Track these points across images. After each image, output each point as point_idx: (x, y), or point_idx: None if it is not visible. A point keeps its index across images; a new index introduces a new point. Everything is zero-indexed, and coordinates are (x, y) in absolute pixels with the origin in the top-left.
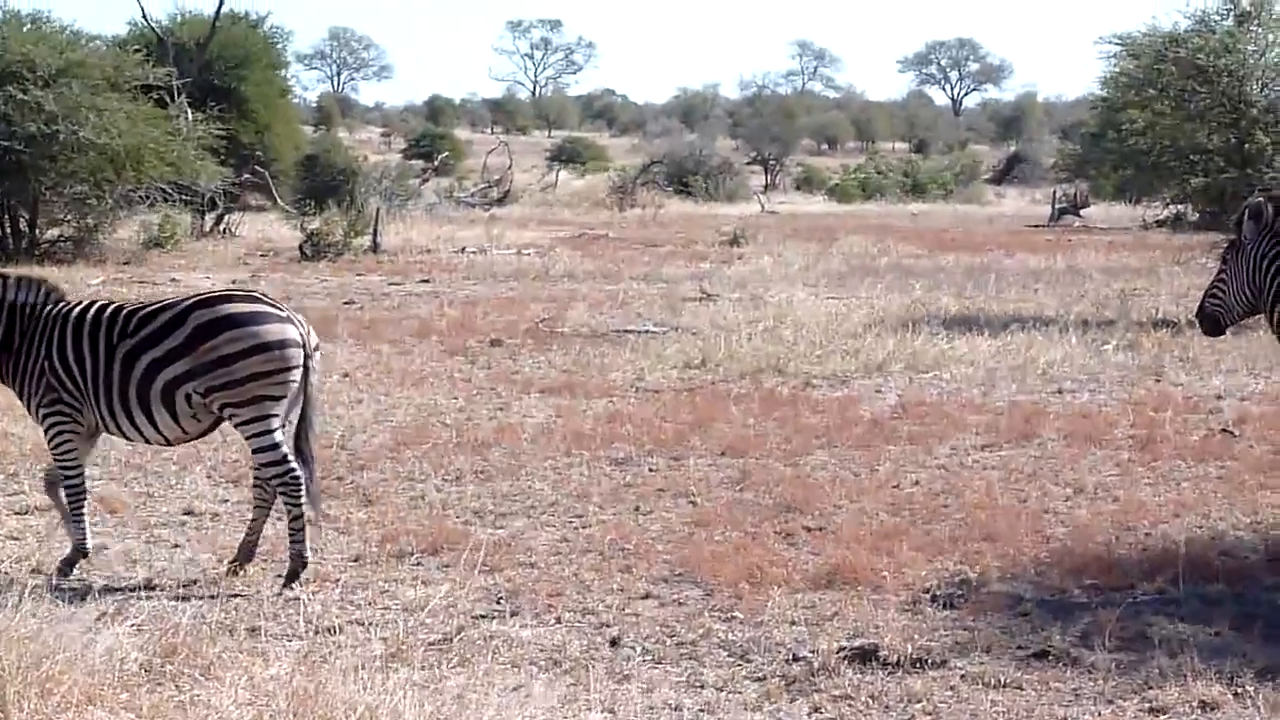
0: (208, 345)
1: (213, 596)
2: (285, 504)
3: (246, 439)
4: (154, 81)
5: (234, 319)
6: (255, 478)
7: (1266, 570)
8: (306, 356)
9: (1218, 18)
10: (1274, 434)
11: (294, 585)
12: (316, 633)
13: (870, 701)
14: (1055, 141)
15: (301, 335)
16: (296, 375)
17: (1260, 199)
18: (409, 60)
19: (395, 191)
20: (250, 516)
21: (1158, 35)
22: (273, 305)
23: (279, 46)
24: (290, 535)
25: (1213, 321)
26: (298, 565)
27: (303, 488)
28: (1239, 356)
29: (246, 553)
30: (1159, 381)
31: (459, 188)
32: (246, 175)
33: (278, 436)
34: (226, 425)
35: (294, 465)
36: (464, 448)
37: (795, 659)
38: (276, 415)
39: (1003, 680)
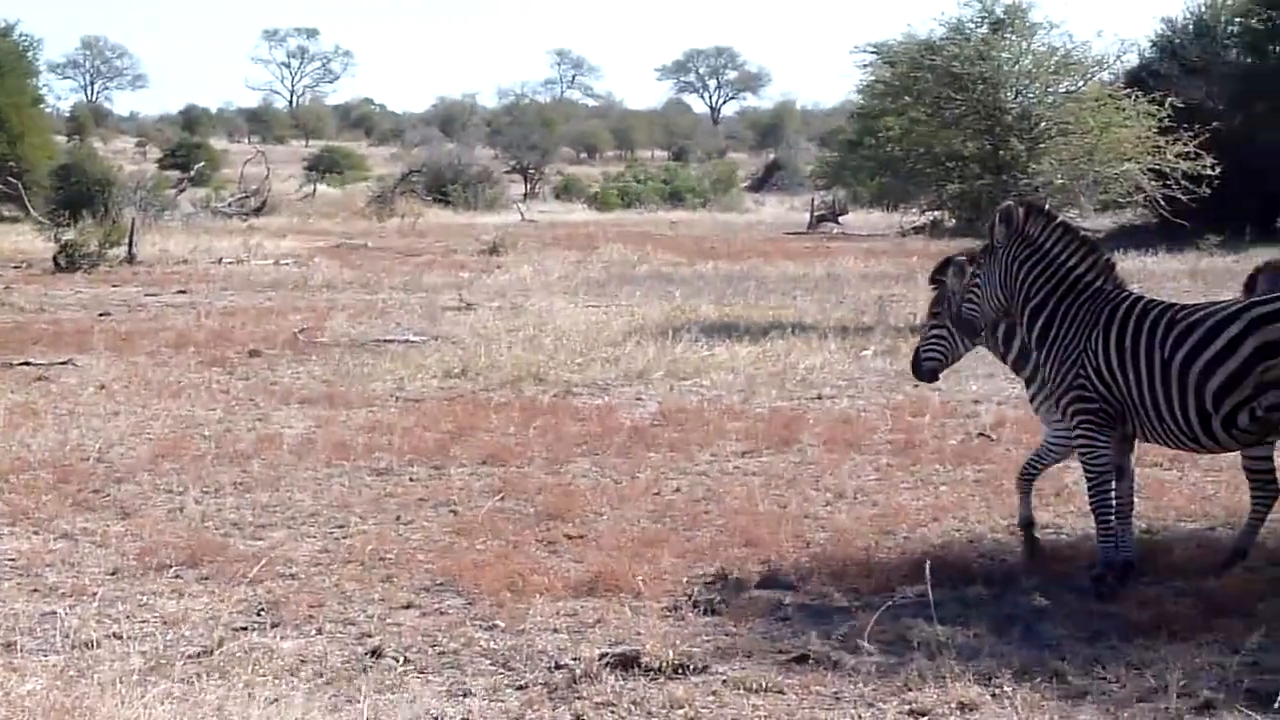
0: None
1: None
2: None
3: None
4: None
5: None
6: None
7: (1023, 572)
8: None
9: (972, 25)
10: (1030, 438)
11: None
12: (74, 647)
13: (633, 708)
14: (813, 149)
15: None
16: None
17: (1011, 203)
18: (164, 69)
19: (151, 202)
20: None
21: (913, 43)
22: None
23: (29, 55)
24: None
25: (968, 324)
26: None
27: None
28: (995, 362)
29: None
30: (917, 387)
31: (216, 198)
32: None
33: None
34: None
35: None
36: (223, 459)
37: (557, 667)
38: None
39: (764, 685)
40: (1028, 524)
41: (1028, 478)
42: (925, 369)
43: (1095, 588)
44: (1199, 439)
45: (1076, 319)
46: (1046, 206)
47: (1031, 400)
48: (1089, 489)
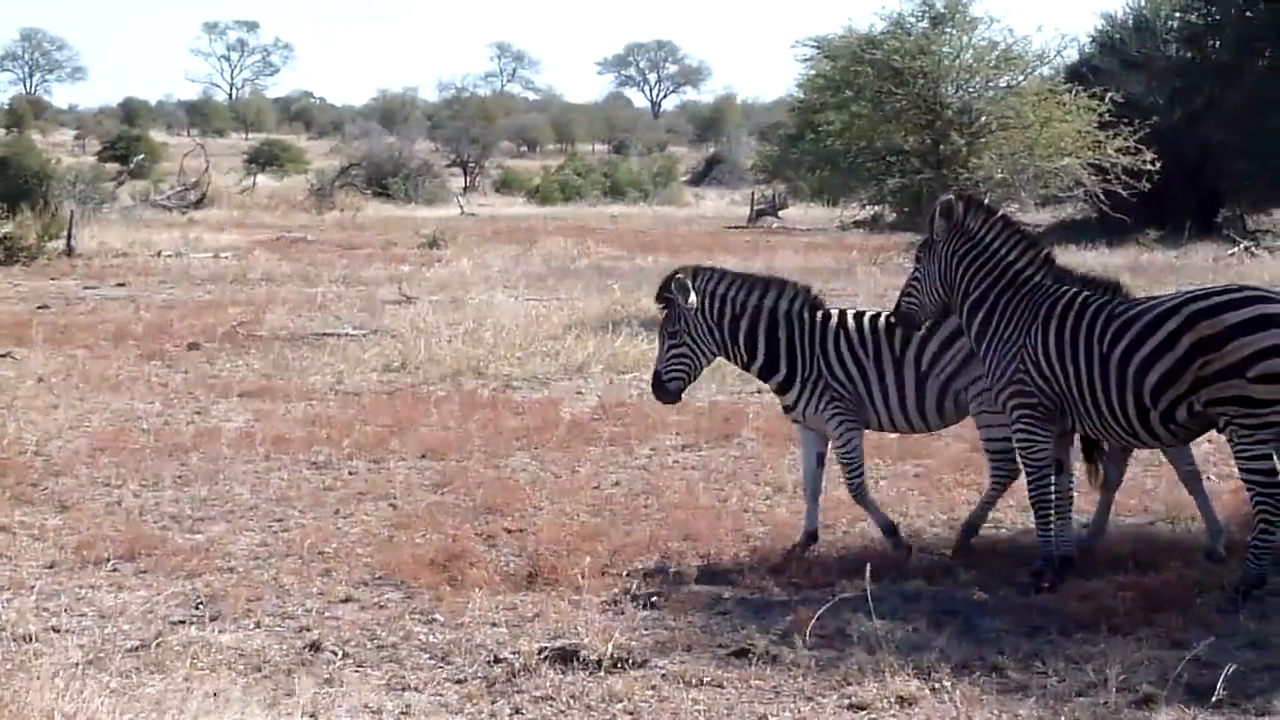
0: None
1: None
2: None
3: None
4: None
5: None
6: None
7: (962, 567)
8: None
9: (913, 20)
10: (970, 431)
11: None
12: (12, 641)
13: (571, 701)
14: (754, 143)
15: None
16: None
17: (951, 197)
18: (103, 62)
19: (90, 195)
20: None
21: (854, 37)
22: None
23: None
24: None
25: (908, 319)
26: None
27: None
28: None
29: None
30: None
31: (155, 191)
32: None
33: None
34: None
35: None
36: (162, 453)
37: (496, 660)
38: None
39: (703, 679)
40: (891, 530)
41: (858, 490)
42: (670, 389)
43: (1034, 582)
44: (1137, 434)
45: (1016, 313)
46: (986, 201)
47: (789, 410)
48: (1029, 484)
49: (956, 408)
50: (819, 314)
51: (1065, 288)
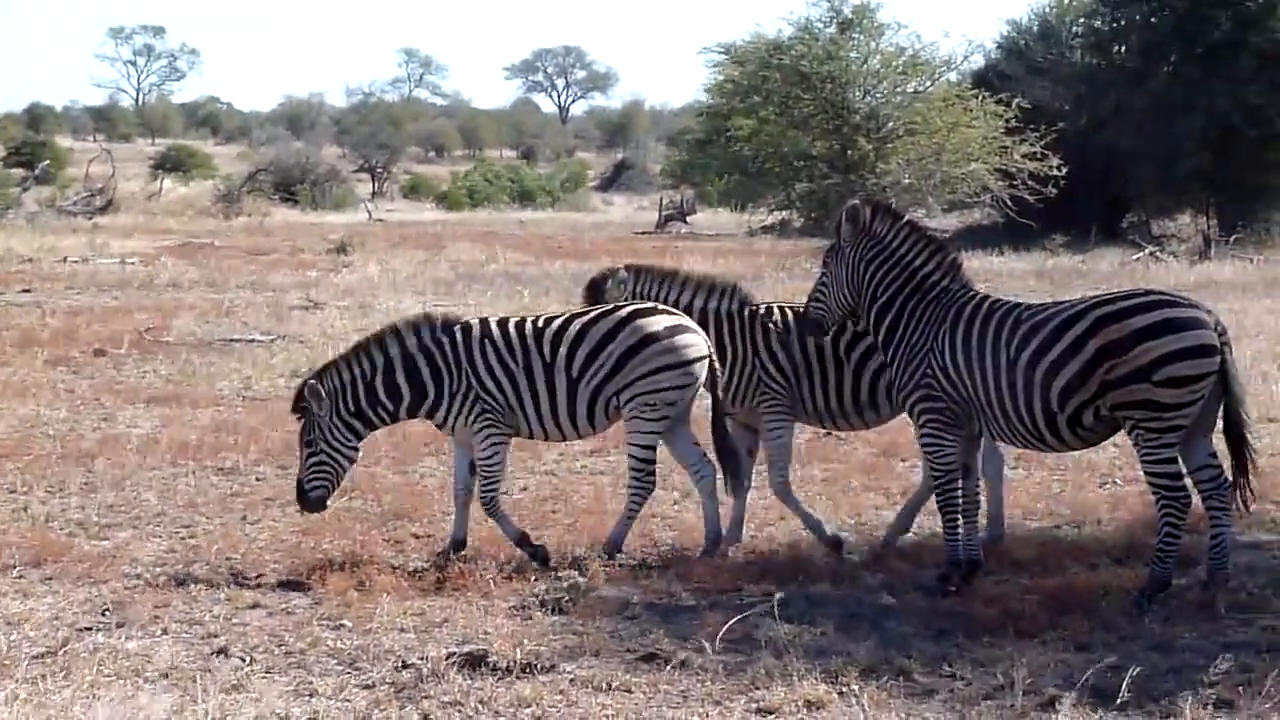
0: None
1: None
2: None
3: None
4: None
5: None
6: None
7: (869, 570)
8: None
9: (821, 25)
10: (876, 436)
11: None
12: None
13: (480, 707)
14: (662, 149)
15: None
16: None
17: (857, 202)
18: (7, 66)
19: None
20: None
21: (762, 43)
22: None
23: None
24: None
25: (815, 325)
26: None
27: None
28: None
29: None
30: None
31: (61, 196)
32: None
33: None
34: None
35: None
36: (68, 459)
37: (404, 666)
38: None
39: (612, 683)
40: (521, 539)
41: (490, 503)
42: (313, 499)
43: (941, 586)
44: (1045, 438)
45: (923, 318)
46: (893, 205)
47: (441, 425)
48: (935, 488)
49: (608, 416)
50: (458, 327)
51: (973, 292)
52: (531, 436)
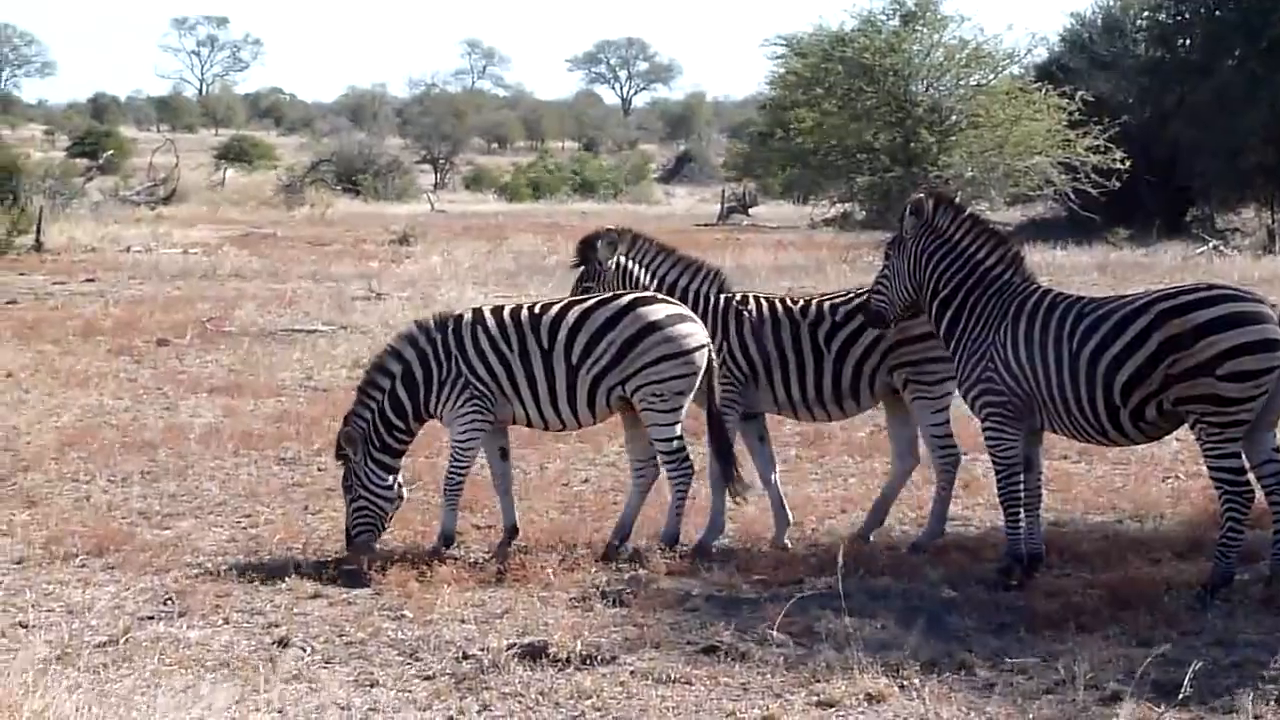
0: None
1: None
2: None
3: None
4: None
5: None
6: None
7: (930, 564)
8: None
9: (883, 18)
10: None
11: None
12: None
13: (540, 698)
14: (724, 141)
15: None
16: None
17: (921, 195)
18: (72, 57)
19: (59, 190)
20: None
21: (824, 35)
22: None
23: None
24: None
25: (877, 316)
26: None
27: None
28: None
29: None
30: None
31: (124, 186)
32: None
33: None
34: None
35: None
36: (130, 448)
37: (465, 657)
38: None
39: (672, 675)
40: (449, 539)
41: (454, 488)
42: (359, 543)
43: (1002, 580)
44: (1107, 432)
45: (985, 312)
46: (956, 199)
47: (432, 414)
48: (998, 481)
49: (609, 405)
50: (450, 320)
51: (1035, 286)
52: (530, 424)
